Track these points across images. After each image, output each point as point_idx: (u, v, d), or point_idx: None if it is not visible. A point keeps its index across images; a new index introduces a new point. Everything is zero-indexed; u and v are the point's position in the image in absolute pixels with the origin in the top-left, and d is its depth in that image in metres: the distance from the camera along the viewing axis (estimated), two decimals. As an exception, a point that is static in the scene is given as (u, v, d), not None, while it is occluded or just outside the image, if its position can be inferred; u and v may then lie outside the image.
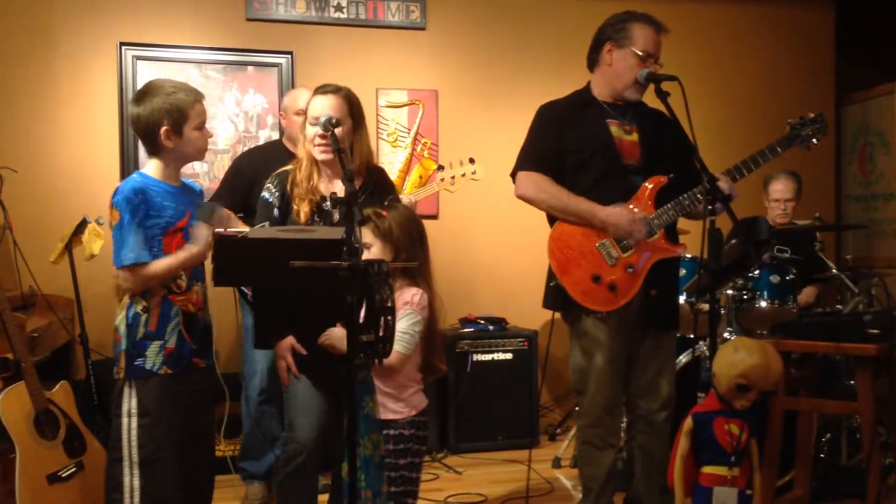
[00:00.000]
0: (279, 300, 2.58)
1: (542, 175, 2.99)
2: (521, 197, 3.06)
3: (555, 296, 2.98)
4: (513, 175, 3.09)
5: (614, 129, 3.03)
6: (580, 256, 2.95)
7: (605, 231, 2.93)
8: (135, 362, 2.51)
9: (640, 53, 2.96)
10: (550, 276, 3.00)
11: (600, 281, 2.92)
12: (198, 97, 2.60)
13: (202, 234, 2.56)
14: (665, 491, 2.93)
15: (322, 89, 2.78)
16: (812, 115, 3.07)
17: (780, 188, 4.45)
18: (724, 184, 2.86)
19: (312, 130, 2.75)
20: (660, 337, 3.06)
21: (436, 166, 4.91)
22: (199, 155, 2.68)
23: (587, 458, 3.06)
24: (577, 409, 3.15)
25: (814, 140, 3.08)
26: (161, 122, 2.52)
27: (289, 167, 2.83)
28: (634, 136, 3.04)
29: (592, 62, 3.12)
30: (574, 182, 2.99)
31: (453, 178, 3.53)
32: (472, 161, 3.51)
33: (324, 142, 2.70)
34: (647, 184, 2.97)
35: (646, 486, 3.10)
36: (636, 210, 2.95)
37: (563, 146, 3.01)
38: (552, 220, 3.06)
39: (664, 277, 3.02)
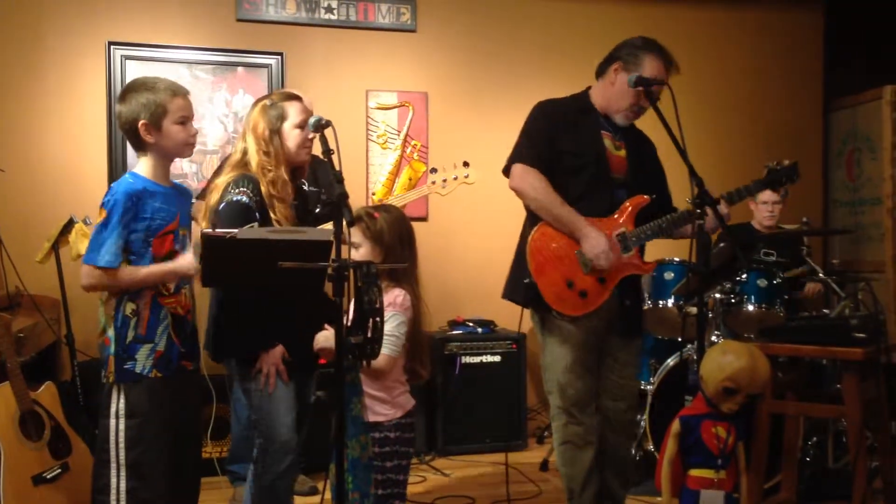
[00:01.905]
0: (264, 312, 2.58)
1: (539, 174, 2.99)
2: (514, 189, 3.05)
3: (526, 293, 2.99)
4: (508, 166, 3.08)
5: (607, 141, 3.07)
6: (558, 259, 2.97)
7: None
8: (125, 366, 2.49)
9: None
10: (524, 271, 3.01)
11: (573, 286, 2.96)
12: (178, 91, 2.57)
13: (188, 258, 2.55)
14: (629, 485, 3.17)
15: (296, 96, 2.84)
16: (787, 163, 3.10)
17: (768, 191, 4.47)
18: (724, 208, 2.91)
19: (301, 134, 2.78)
20: (626, 341, 3.12)
21: (425, 168, 4.91)
22: (180, 150, 2.62)
23: (567, 459, 3.07)
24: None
25: (783, 188, 3.23)
26: (139, 117, 2.50)
27: (241, 171, 2.74)
28: (622, 153, 3.09)
29: (600, 72, 3.14)
30: (565, 187, 3.00)
31: (445, 181, 3.48)
32: (465, 164, 3.46)
33: (310, 144, 2.82)
34: (629, 201, 3.02)
35: (614, 483, 3.14)
36: (620, 222, 2.99)
37: (560, 147, 3.03)
38: (533, 218, 3.06)
39: (634, 288, 3.11)
